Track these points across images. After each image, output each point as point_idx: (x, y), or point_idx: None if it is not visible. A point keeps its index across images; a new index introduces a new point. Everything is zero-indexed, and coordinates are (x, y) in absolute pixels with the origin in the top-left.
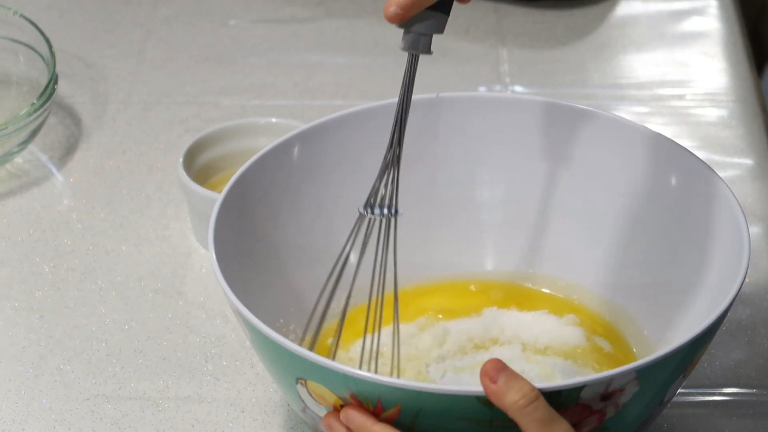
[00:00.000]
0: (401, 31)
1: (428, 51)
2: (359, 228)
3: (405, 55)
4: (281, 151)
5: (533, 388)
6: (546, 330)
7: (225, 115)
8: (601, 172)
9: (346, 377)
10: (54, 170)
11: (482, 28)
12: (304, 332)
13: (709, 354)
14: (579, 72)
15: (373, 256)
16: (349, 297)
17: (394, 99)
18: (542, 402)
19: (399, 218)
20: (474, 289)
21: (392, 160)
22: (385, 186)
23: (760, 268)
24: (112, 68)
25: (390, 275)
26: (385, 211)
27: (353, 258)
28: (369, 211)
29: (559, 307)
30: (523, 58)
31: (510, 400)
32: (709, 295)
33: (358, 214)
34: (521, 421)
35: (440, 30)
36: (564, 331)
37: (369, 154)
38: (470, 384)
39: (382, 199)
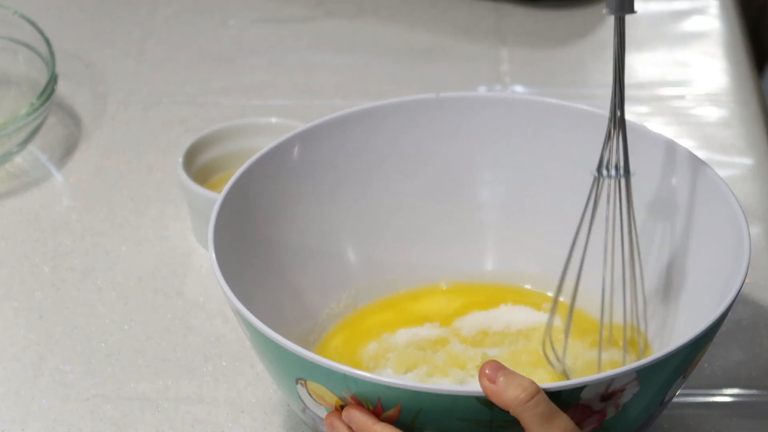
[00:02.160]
0: (401, 30)
1: (633, 10)
2: (592, 192)
3: (405, 55)
4: (281, 151)
5: (533, 382)
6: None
7: (225, 115)
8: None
9: (346, 377)
10: (53, 170)
11: (482, 28)
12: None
13: (710, 354)
14: (579, 72)
15: (605, 221)
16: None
17: (394, 99)
18: (543, 396)
19: (402, 220)
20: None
21: (617, 123)
22: (611, 149)
23: (760, 268)
24: (112, 68)
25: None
26: (616, 171)
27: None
28: (604, 172)
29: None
30: (523, 57)
31: (511, 396)
32: (709, 296)
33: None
34: (523, 416)
35: None
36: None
37: (369, 154)
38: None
39: (609, 161)
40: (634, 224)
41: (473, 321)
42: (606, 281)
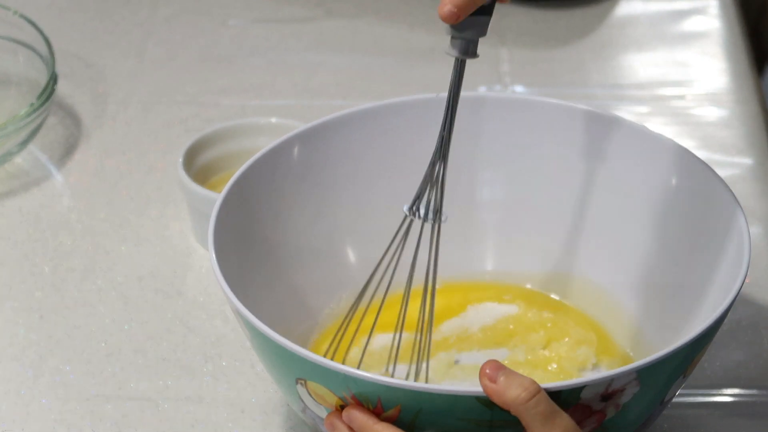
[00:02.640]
0: (401, 30)
1: (476, 55)
2: (402, 227)
3: (405, 55)
4: (281, 151)
5: (534, 381)
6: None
7: (225, 115)
8: (601, 171)
9: (346, 377)
10: (53, 170)
11: None
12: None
13: (710, 354)
14: (579, 72)
15: (405, 254)
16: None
17: (394, 99)
18: (544, 395)
19: (400, 220)
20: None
21: (438, 173)
22: (430, 191)
23: (760, 268)
24: (112, 68)
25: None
26: (430, 215)
27: (389, 257)
28: (415, 214)
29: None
30: (524, 57)
31: (512, 395)
32: (709, 295)
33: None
34: (525, 415)
35: (485, 33)
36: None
37: (369, 154)
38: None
39: (428, 203)
40: (435, 268)
41: (448, 326)
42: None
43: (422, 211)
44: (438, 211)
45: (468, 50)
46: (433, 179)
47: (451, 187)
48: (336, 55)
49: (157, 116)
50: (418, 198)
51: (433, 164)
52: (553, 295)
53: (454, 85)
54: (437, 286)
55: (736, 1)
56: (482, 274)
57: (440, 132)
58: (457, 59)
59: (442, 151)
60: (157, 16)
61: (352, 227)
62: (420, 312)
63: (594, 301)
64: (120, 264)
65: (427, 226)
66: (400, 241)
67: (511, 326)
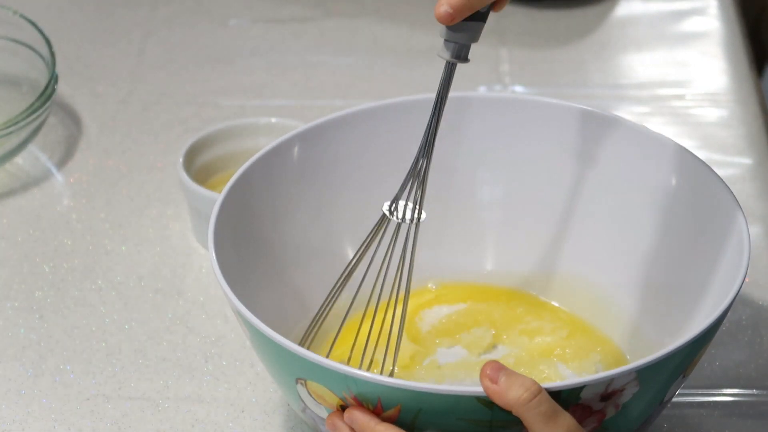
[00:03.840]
0: (401, 30)
1: (467, 60)
2: (379, 228)
3: (405, 55)
4: (281, 151)
5: (535, 382)
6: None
7: (225, 115)
8: (601, 171)
9: (346, 377)
10: (54, 170)
11: None
12: (306, 333)
13: (710, 354)
14: (579, 72)
15: (386, 258)
16: (354, 299)
17: (394, 99)
18: (545, 395)
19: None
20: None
21: (421, 170)
22: (410, 191)
23: (760, 268)
24: (112, 68)
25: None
26: (408, 215)
27: (366, 258)
28: (394, 214)
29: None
30: (523, 57)
31: (514, 395)
32: (709, 295)
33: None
34: (526, 415)
35: (477, 39)
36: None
37: (369, 154)
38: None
39: (406, 204)
40: (411, 271)
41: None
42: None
43: (401, 212)
44: (417, 212)
45: (460, 54)
46: (415, 178)
47: (451, 187)
48: (336, 55)
49: (157, 116)
50: (397, 198)
51: (415, 164)
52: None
53: (442, 87)
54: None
55: (736, 1)
56: (482, 274)
57: (425, 133)
58: (447, 62)
59: (425, 151)
60: (157, 16)
61: (352, 227)
62: (391, 310)
63: (593, 301)
64: (120, 264)
65: (404, 226)
66: (378, 241)
67: (461, 321)
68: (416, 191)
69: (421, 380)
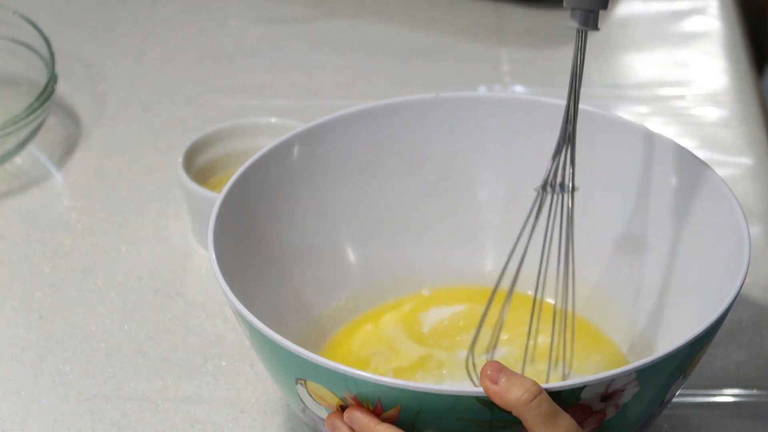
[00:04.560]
0: (401, 30)
1: (597, 27)
2: (534, 208)
3: (405, 55)
4: (281, 151)
5: (535, 383)
6: None
7: (224, 115)
8: (601, 171)
9: (345, 377)
10: (53, 170)
11: (482, 28)
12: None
13: (710, 354)
14: None
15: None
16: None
17: (394, 99)
18: (546, 396)
19: (402, 220)
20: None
21: (567, 137)
22: (559, 163)
23: (760, 268)
24: (112, 68)
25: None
26: (559, 188)
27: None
28: (549, 189)
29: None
30: (523, 57)
31: (514, 396)
32: (709, 295)
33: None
34: (526, 416)
35: (605, 5)
36: None
37: (369, 154)
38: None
39: (556, 177)
40: (572, 242)
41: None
42: (538, 293)
43: (555, 187)
44: (570, 184)
45: (588, 22)
46: (566, 147)
47: (451, 187)
48: (336, 55)
49: (157, 116)
50: (548, 177)
51: (559, 146)
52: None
53: (577, 57)
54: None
55: (736, 1)
56: (481, 274)
57: (566, 105)
58: (578, 31)
59: (568, 129)
60: (157, 16)
61: (352, 227)
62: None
63: (593, 301)
64: (120, 264)
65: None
66: (534, 222)
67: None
68: (567, 162)
69: (421, 381)
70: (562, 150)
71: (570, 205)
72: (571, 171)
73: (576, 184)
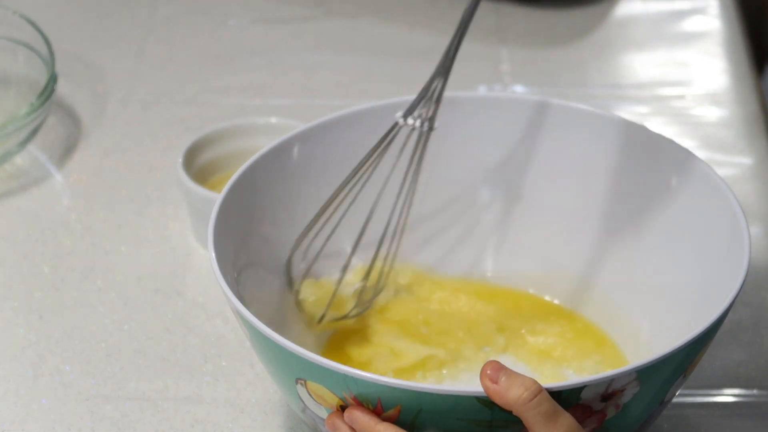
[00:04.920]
0: (401, 30)
1: None
2: (386, 139)
3: (405, 55)
4: (281, 151)
5: (535, 381)
6: None
7: (224, 115)
8: (602, 171)
9: (345, 377)
10: (53, 170)
11: (482, 28)
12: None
13: (710, 354)
14: (579, 72)
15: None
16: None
17: (394, 99)
18: (546, 395)
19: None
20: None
21: (443, 68)
22: (427, 99)
23: (760, 268)
24: (112, 68)
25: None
26: (418, 122)
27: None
28: (406, 120)
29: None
30: (523, 57)
31: (514, 395)
32: (709, 295)
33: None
34: (527, 415)
35: None
36: None
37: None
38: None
39: (420, 112)
40: (416, 183)
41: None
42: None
43: (414, 121)
44: (431, 120)
45: None
46: (429, 94)
47: (451, 187)
48: (336, 55)
49: (157, 116)
50: (410, 110)
51: (431, 80)
52: (546, 297)
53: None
54: None
55: (736, 1)
56: (481, 274)
57: (447, 48)
58: None
59: (444, 67)
60: (157, 16)
61: (352, 227)
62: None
63: (594, 301)
64: (119, 264)
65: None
66: (382, 150)
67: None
68: (432, 98)
69: (421, 380)
70: (434, 82)
71: (423, 143)
72: (434, 108)
73: (436, 125)
